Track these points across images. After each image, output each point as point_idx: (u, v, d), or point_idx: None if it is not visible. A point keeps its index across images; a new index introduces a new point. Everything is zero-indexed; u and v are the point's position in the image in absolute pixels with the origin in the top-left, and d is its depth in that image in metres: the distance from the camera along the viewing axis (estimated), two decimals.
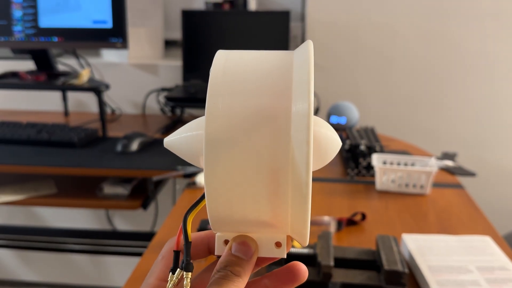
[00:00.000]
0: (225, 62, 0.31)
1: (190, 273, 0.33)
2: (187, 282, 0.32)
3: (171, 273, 0.33)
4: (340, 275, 0.72)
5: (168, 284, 0.33)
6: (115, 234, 1.87)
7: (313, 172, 0.34)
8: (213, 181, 0.29)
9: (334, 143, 0.33)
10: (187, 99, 1.60)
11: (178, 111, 1.77)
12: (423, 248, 0.81)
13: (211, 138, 0.29)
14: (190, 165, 1.20)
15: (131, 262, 1.88)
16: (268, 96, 0.29)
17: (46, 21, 1.48)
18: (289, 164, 0.28)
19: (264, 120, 0.29)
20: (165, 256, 0.35)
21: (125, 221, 1.95)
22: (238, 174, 0.29)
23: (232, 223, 0.32)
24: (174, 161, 1.24)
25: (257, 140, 0.28)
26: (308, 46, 0.31)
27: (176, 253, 0.34)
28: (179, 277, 0.33)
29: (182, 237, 0.34)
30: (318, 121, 0.32)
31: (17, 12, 1.48)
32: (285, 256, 0.33)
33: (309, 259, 0.74)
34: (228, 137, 0.29)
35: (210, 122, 0.29)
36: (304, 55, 0.30)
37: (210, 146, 0.29)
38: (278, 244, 0.33)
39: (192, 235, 0.35)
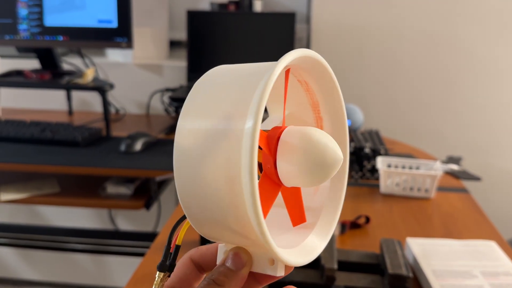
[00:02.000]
0: (203, 77, 0.34)
1: (162, 273, 0.35)
2: (156, 281, 0.34)
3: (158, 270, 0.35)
4: (343, 279, 0.71)
5: (155, 280, 0.35)
6: (117, 234, 1.87)
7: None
8: (182, 188, 0.31)
9: (330, 156, 0.30)
10: None
11: None
12: (428, 252, 0.80)
13: (177, 152, 0.31)
14: None
15: (133, 262, 1.87)
16: (230, 109, 0.30)
17: (51, 19, 1.49)
18: (241, 173, 0.28)
19: (222, 133, 0.29)
20: (178, 266, 0.36)
21: (128, 221, 1.95)
22: (202, 184, 0.30)
23: (212, 231, 0.32)
24: None
25: (216, 152, 0.29)
26: (279, 62, 0.30)
27: (167, 250, 0.35)
28: (161, 276, 0.35)
29: (175, 240, 0.35)
30: (314, 132, 0.31)
31: (22, 11, 1.49)
32: (277, 274, 0.32)
33: (312, 262, 0.74)
34: (192, 152, 0.30)
35: (177, 138, 0.32)
36: (270, 71, 0.29)
37: (176, 156, 0.31)
38: (271, 261, 0.32)
39: (204, 246, 0.36)
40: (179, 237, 0.35)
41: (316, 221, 0.36)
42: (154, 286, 0.34)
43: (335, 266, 0.70)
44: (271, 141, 0.31)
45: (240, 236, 0.31)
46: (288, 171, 0.31)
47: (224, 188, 0.29)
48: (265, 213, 0.31)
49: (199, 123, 0.31)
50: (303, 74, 0.35)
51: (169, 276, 0.35)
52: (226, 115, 0.30)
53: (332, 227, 0.36)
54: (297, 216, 0.35)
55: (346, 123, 0.37)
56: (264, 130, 0.32)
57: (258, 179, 0.31)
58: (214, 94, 0.32)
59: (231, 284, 0.31)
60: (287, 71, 0.33)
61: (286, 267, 0.32)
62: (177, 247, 0.35)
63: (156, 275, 0.35)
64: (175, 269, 0.35)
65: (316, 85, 0.36)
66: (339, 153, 0.30)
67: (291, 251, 0.32)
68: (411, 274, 0.69)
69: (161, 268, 0.35)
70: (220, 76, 0.33)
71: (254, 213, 0.28)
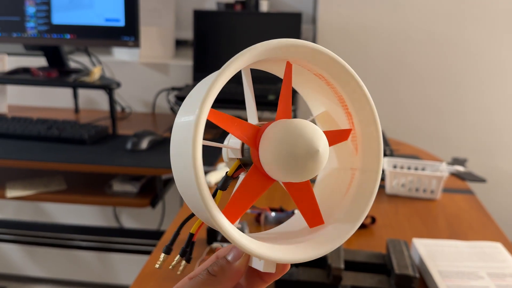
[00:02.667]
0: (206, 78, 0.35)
1: (166, 256, 0.38)
2: (160, 261, 0.37)
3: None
4: (350, 278, 0.71)
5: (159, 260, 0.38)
6: (122, 232, 1.88)
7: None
8: (175, 177, 0.33)
9: (302, 146, 0.29)
10: None
11: None
12: (434, 253, 0.80)
13: (171, 145, 0.34)
14: None
15: (137, 260, 1.88)
16: (194, 106, 0.31)
17: (59, 18, 1.49)
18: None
19: (187, 126, 0.30)
20: (205, 262, 0.37)
21: (132, 219, 1.96)
22: (184, 172, 0.31)
23: (204, 218, 0.33)
24: None
25: (188, 142, 0.30)
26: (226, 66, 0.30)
27: (174, 236, 0.38)
28: (165, 258, 0.38)
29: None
30: (292, 123, 0.30)
31: (30, 9, 1.49)
32: (262, 270, 0.32)
33: (319, 261, 0.74)
34: (180, 143, 0.32)
35: (172, 133, 0.34)
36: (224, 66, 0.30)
37: (171, 149, 0.34)
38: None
39: (231, 244, 0.37)
40: (194, 227, 0.36)
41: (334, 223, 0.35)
42: (157, 264, 0.37)
43: (342, 265, 0.70)
44: (259, 134, 0.32)
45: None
46: (266, 162, 0.31)
47: (193, 175, 0.30)
48: (249, 205, 0.31)
49: (184, 118, 0.32)
50: (313, 67, 0.34)
51: (185, 261, 0.37)
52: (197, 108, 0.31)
53: (347, 233, 0.34)
54: (312, 216, 0.34)
55: (376, 119, 0.35)
56: (257, 125, 0.33)
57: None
58: (200, 90, 0.32)
59: (225, 275, 0.32)
60: (288, 65, 0.33)
61: (279, 265, 0.32)
62: (191, 235, 0.37)
63: (161, 256, 0.37)
64: (202, 265, 0.36)
65: (330, 76, 0.35)
66: (314, 145, 0.29)
67: (274, 246, 0.31)
68: (417, 275, 0.69)
69: (166, 250, 0.38)
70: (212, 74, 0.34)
71: (200, 195, 0.28)
